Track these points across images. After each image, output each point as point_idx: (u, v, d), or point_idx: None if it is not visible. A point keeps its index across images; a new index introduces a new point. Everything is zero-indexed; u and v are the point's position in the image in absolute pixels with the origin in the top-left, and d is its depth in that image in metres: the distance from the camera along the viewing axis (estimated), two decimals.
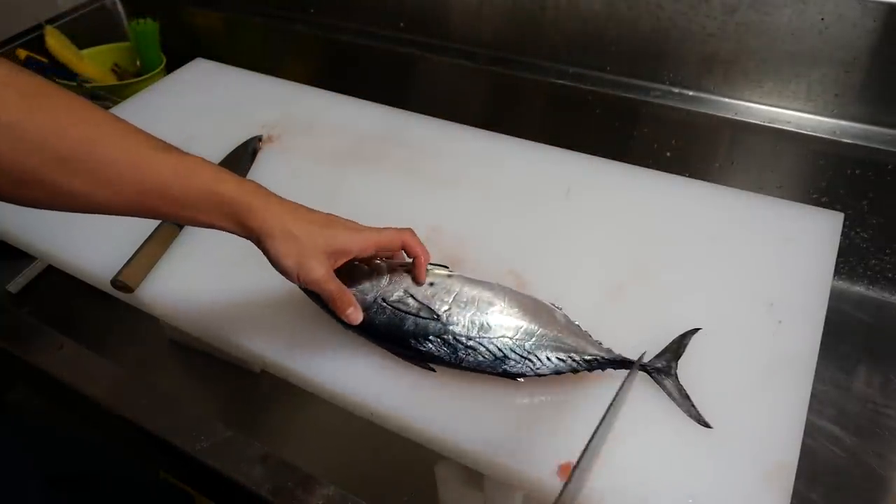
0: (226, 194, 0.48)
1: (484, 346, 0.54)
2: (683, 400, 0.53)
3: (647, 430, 0.52)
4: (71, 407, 0.69)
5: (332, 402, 0.58)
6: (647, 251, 0.67)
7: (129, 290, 0.66)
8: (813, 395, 0.53)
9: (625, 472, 0.50)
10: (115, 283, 0.66)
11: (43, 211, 0.73)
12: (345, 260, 0.54)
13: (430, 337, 0.54)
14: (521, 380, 0.54)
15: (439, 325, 0.54)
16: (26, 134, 0.42)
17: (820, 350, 0.56)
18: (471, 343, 0.54)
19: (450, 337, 0.54)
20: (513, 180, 0.77)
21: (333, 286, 0.52)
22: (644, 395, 0.54)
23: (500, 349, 0.53)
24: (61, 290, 0.91)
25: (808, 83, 0.80)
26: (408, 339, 0.55)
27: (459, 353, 0.54)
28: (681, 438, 0.51)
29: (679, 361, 0.55)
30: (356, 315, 0.54)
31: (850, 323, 0.81)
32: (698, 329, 0.57)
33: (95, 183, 0.45)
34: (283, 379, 0.61)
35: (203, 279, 0.67)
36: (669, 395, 0.54)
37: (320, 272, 0.51)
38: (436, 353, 0.54)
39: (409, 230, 0.56)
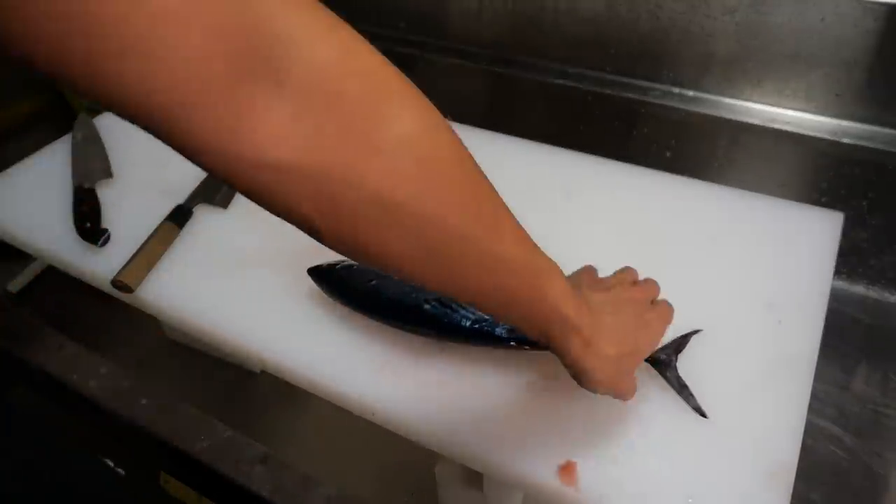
0: (569, 317, 0.43)
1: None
2: (682, 389, 0.54)
3: (647, 430, 0.52)
4: (71, 407, 0.69)
5: (332, 401, 0.58)
6: (646, 251, 0.67)
7: (129, 290, 0.66)
8: (813, 395, 0.53)
9: (624, 471, 0.50)
10: (115, 283, 0.66)
11: (42, 211, 0.73)
12: None
13: (429, 300, 0.56)
14: (528, 348, 0.55)
15: None
16: (405, 217, 0.33)
17: (820, 350, 0.56)
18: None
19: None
20: (513, 180, 0.76)
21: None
22: (643, 396, 0.54)
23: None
24: (61, 290, 0.91)
25: (808, 83, 0.80)
26: (408, 304, 0.56)
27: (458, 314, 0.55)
28: (680, 438, 0.52)
29: (680, 361, 0.55)
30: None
31: (850, 323, 0.81)
32: (699, 330, 0.57)
33: (441, 271, 0.37)
34: (283, 379, 0.61)
35: (203, 279, 0.67)
36: (669, 384, 0.54)
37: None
38: (431, 313, 0.56)
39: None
